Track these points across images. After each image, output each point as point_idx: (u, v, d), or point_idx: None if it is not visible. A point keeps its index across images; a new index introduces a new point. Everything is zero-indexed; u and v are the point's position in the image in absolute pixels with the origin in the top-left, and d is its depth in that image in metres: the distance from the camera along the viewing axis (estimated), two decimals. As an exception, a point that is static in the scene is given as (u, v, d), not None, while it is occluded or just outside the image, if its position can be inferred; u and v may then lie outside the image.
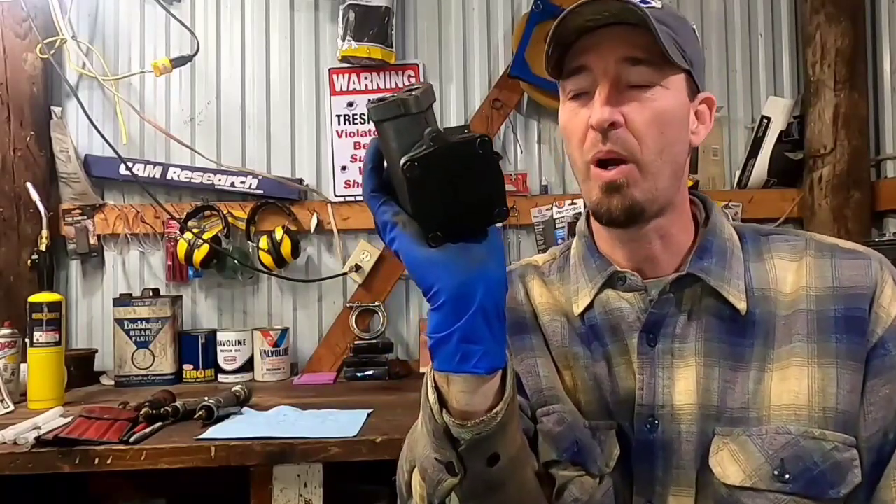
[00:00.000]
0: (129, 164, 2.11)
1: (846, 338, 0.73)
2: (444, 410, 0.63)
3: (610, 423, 0.78)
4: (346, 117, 2.22)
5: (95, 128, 2.08)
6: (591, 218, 0.85)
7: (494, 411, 0.62)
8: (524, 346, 0.84)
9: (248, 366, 2.05)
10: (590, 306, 0.82)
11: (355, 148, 2.22)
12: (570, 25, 0.74)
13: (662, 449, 0.76)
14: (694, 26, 0.84)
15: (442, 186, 0.59)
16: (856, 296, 0.75)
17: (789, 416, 0.72)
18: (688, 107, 0.79)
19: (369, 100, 0.63)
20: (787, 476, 0.70)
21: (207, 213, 2.14)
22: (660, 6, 0.75)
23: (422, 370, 2.07)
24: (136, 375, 1.98)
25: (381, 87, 2.22)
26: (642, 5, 0.73)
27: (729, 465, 0.72)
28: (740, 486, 0.71)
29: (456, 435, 0.63)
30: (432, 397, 0.64)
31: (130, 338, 1.99)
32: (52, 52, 2.06)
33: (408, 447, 0.75)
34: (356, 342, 2.08)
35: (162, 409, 1.46)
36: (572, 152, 0.79)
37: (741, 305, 0.77)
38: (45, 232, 1.95)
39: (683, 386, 0.76)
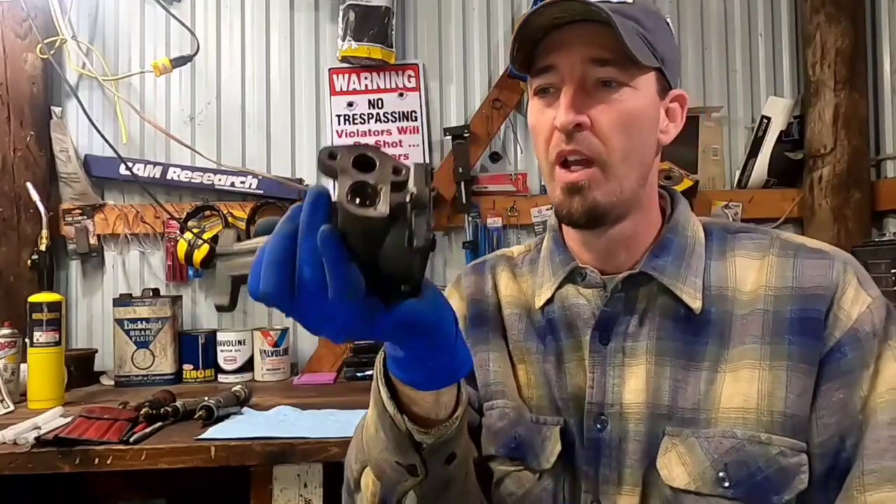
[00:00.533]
0: (129, 164, 2.11)
1: (799, 340, 0.71)
2: (406, 418, 0.64)
3: (557, 420, 0.78)
4: (346, 117, 2.22)
5: (95, 128, 2.08)
6: None
7: (455, 415, 0.64)
8: (480, 338, 0.85)
9: (248, 366, 2.05)
10: (550, 300, 0.82)
11: (355, 148, 2.22)
12: (535, 24, 0.73)
13: (610, 447, 0.75)
14: (668, 20, 0.81)
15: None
16: (814, 296, 0.72)
17: (737, 419, 0.71)
18: (657, 105, 0.77)
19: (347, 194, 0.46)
20: (728, 482, 0.69)
21: (207, 213, 2.14)
22: (631, 0, 0.73)
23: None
24: (136, 375, 1.98)
25: (381, 86, 2.22)
26: (611, 1, 0.71)
27: (675, 467, 0.72)
28: (685, 489, 0.71)
29: (419, 440, 0.64)
30: (391, 408, 0.64)
31: (130, 338, 1.99)
32: (52, 52, 2.05)
33: (359, 446, 0.75)
34: (356, 342, 2.08)
35: (162, 409, 1.46)
36: (539, 152, 0.78)
37: (695, 304, 0.75)
38: (45, 232, 1.95)
39: (633, 385, 0.75)
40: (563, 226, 0.84)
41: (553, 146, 0.75)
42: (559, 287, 0.82)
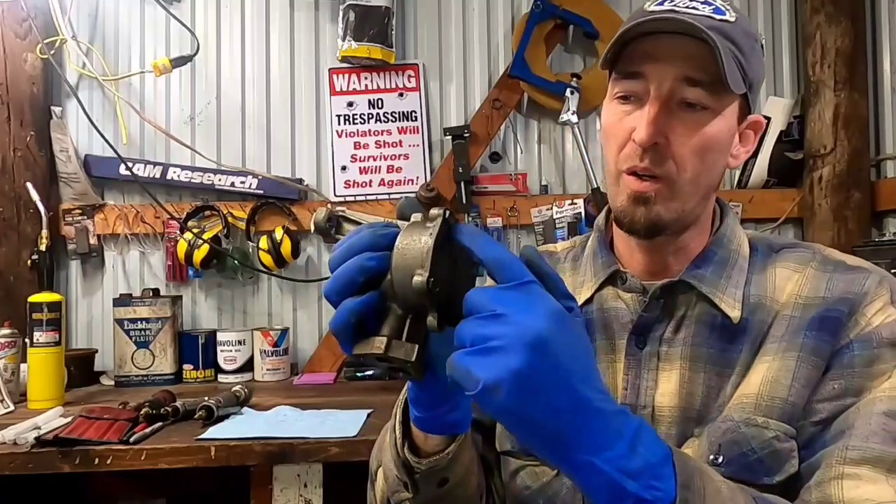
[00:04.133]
0: (129, 164, 2.11)
1: (815, 335, 0.73)
2: (406, 445, 0.69)
3: None
4: (346, 117, 2.22)
5: (95, 128, 2.08)
6: (612, 217, 0.86)
7: (446, 451, 0.68)
8: None
9: (248, 366, 2.05)
10: (589, 300, 0.84)
11: (355, 148, 2.22)
12: (636, 30, 0.73)
13: None
14: (763, 41, 0.80)
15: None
16: (839, 300, 0.74)
17: (737, 405, 0.73)
18: (734, 131, 0.78)
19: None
20: (720, 459, 0.71)
21: (207, 213, 2.14)
22: (733, 19, 0.73)
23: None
24: (136, 375, 1.98)
25: (381, 86, 2.22)
26: (717, 16, 0.71)
27: None
28: None
29: (413, 466, 0.69)
30: (398, 432, 0.69)
31: (130, 338, 1.99)
32: (52, 52, 2.05)
33: (379, 447, 0.79)
34: (356, 342, 2.08)
35: (162, 409, 1.46)
36: (608, 155, 0.79)
37: (734, 313, 0.77)
38: (45, 232, 1.95)
39: (666, 388, 0.77)
40: (614, 229, 0.85)
41: (626, 156, 0.76)
42: (599, 288, 0.84)
